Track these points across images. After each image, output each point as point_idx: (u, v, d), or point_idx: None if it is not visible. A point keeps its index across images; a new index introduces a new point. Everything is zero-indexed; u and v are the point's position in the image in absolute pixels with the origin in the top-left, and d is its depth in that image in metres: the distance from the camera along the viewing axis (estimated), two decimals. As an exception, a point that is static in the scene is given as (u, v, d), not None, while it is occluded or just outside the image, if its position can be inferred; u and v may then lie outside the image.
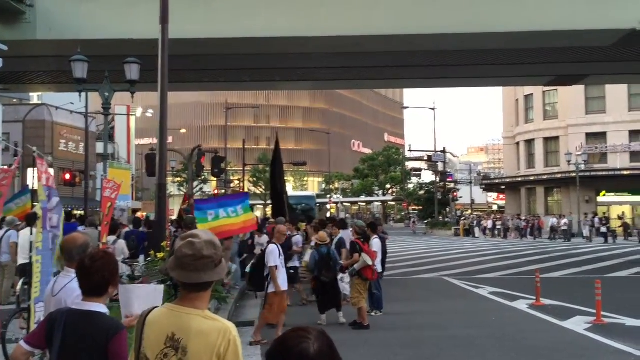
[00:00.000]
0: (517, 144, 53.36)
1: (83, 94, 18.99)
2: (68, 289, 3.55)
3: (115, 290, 3.02)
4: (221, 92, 68.06)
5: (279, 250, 8.91)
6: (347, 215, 73.23)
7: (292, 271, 10.91)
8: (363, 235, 10.51)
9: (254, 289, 10.33)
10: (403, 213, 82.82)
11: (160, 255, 9.26)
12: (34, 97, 45.14)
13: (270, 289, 8.83)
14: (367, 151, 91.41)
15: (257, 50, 17.37)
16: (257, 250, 12.50)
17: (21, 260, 10.71)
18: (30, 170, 25.95)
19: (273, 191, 17.56)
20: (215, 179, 38.30)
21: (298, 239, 13.17)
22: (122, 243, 10.92)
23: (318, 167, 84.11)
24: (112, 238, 10.93)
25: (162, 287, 3.83)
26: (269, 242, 9.73)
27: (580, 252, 27.93)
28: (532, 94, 50.26)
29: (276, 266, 8.74)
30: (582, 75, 23.30)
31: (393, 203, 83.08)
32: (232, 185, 48.76)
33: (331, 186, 77.90)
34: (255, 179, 67.98)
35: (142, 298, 3.47)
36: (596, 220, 38.14)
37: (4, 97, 31.57)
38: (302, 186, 79.81)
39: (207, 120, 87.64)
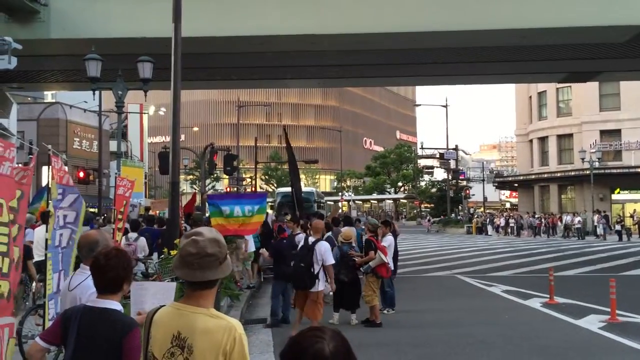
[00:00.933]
0: (530, 141, 52.99)
1: (97, 92, 19.14)
2: (83, 286, 3.58)
3: (129, 288, 3.04)
4: (233, 90, 68.31)
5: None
6: (359, 213, 73.17)
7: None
8: (375, 233, 10.51)
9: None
10: (415, 211, 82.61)
11: (173, 252, 9.30)
12: (48, 96, 45.51)
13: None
14: (379, 149, 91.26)
15: (269, 48, 17.38)
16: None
17: (37, 257, 10.82)
18: (45, 169, 26.16)
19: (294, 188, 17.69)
20: (227, 176, 38.40)
21: (301, 237, 12.95)
22: (143, 240, 10.99)
23: (330, 165, 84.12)
24: (134, 235, 11.03)
25: (174, 284, 3.85)
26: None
27: (594, 250, 27.73)
28: (545, 91, 49.88)
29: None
30: (596, 72, 23.08)
31: (405, 201, 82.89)
32: (244, 183, 48.86)
33: (343, 184, 77.86)
34: (267, 177, 68.12)
35: (154, 295, 3.49)
36: (600, 218, 37.95)
37: (19, 95, 31.83)
38: (314, 184, 79.85)
39: (219, 118, 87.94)
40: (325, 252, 8.77)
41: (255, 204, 12.50)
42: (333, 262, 8.87)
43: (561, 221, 41.69)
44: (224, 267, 2.46)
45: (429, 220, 56.91)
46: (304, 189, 36.70)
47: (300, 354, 1.68)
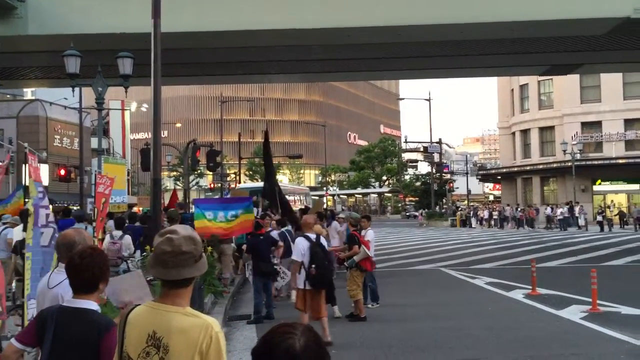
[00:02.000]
0: (513, 134, 53.40)
1: (77, 89, 18.92)
2: (65, 285, 3.53)
3: (105, 287, 3.00)
4: (216, 85, 67.96)
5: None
6: (344, 207, 73.27)
7: (275, 267, 10.72)
8: (357, 227, 10.51)
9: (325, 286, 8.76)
10: (399, 204, 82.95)
11: (155, 250, 9.23)
12: (28, 93, 44.97)
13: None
14: (363, 143, 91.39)
15: (249, 42, 17.29)
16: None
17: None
18: (24, 167, 25.85)
19: (267, 185, 17.51)
20: (211, 172, 38.23)
21: (275, 233, 12.80)
22: (128, 238, 10.87)
23: (314, 160, 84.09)
24: (119, 233, 10.91)
25: (139, 271, 3.82)
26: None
27: (576, 241, 28.03)
28: (527, 84, 50.26)
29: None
30: (576, 64, 23.27)
31: (389, 195, 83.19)
32: (228, 178, 48.69)
33: (327, 178, 77.90)
34: (251, 172, 67.95)
35: (126, 287, 3.46)
36: (576, 209, 38.52)
37: (-3, 93, 31.42)
38: (299, 179, 79.82)
39: (202, 114, 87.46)
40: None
41: (240, 208, 12.52)
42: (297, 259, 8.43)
43: (537, 214, 42.09)
44: (199, 265, 2.42)
45: (421, 214, 56.25)
46: (257, 184, 36.71)
47: (272, 350, 1.67)
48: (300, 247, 8.22)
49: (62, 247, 3.50)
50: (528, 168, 49.70)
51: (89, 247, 3.05)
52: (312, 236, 8.35)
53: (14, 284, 10.18)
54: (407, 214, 73.88)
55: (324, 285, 8.36)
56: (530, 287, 12.48)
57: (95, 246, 3.53)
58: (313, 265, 8.09)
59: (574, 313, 10.13)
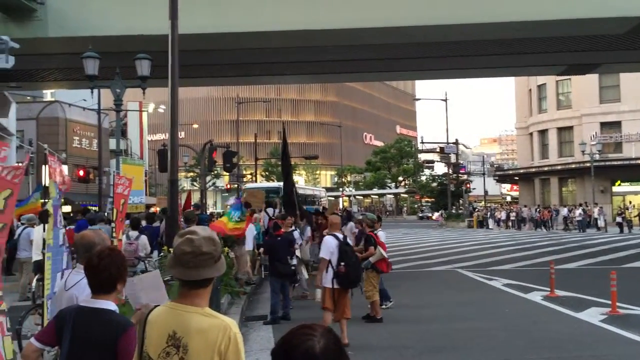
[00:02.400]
0: (531, 134, 52.95)
1: (95, 90, 19.11)
2: (80, 286, 3.57)
3: (123, 287, 3.03)
4: (232, 86, 68.25)
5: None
6: (360, 208, 73.17)
7: (293, 268, 10.72)
8: (373, 228, 10.47)
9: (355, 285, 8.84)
10: (416, 205, 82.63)
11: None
12: (47, 95, 45.48)
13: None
14: (379, 144, 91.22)
15: (264, 44, 17.34)
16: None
17: (35, 256, 10.84)
18: (44, 168, 26.16)
19: (285, 186, 17.52)
20: (227, 173, 38.38)
21: (297, 234, 12.78)
22: (144, 238, 10.96)
23: (330, 161, 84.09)
24: (135, 233, 11.01)
25: (157, 272, 3.85)
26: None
27: (595, 242, 27.72)
28: (545, 84, 49.82)
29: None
30: (595, 64, 23.00)
31: (405, 195, 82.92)
32: (244, 179, 48.87)
33: (343, 179, 77.84)
34: (267, 173, 68.12)
35: (145, 287, 3.49)
36: (595, 211, 38.04)
37: (18, 94, 31.82)
38: (315, 179, 79.88)
39: (218, 115, 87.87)
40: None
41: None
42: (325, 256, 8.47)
43: (556, 215, 41.60)
44: (219, 266, 2.45)
45: (441, 215, 55.05)
46: (271, 184, 36.73)
47: (291, 352, 1.67)
48: (329, 245, 8.18)
49: (81, 248, 3.54)
50: (546, 169, 49.25)
51: (107, 248, 3.08)
52: (340, 236, 8.42)
53: (34, 283, 10.32)
54: (421, 215, 73.25)
55: (353, 285, 8.40)
56: (548, 289, 12.36)
57: (114, 247, 3.57)
58: (342, 263, 8.07)
59: (593, 315, 10.02)
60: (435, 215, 63.29)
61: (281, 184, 27.90)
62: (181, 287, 2.47)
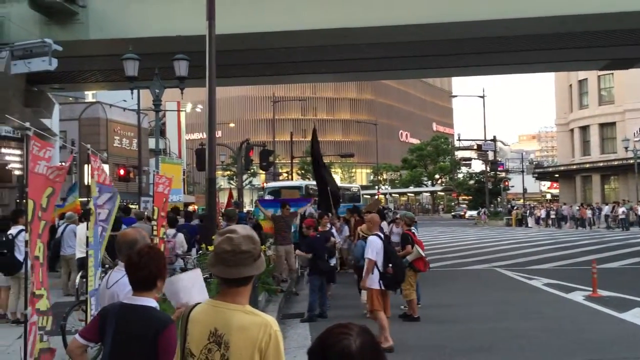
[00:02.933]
0: (571, 130, 51.82)
1: (135, 91, 19.48)
2: (121, 284, 3.64)
3: (163, 284, 3.08)
4: (268, 85, 68.66)
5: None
6: (397, 206, 72.72)
7: (332, 266, 10.70)
8: (411, 227, 10.42)
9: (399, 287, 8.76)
10: (452, 203, 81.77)
11: (211, 248, 9.39)
12: (89, 96, 46.55)
13: None
14: (415, 141, 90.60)
15: (302, 42, 17.40)
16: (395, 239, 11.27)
17: (79, 254, 11.11)
18: (86, 167, 26.79)
19: (319, 185, 17.54)
20: (263, 172, 38.64)
21: (334, 232, 12.78)
22: (181, 236, 11.12)
23: (366, 159, 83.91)
24: (172, 231, 11.18)
25: (198, 270, 3.89)
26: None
27: (639, 241, 26.96)
28: (586, 79, 48.69)
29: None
30: (638, 58, 22.36)
31: (442, 193, 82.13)
32: (280, 178, 49.13)
33: (379, 177, 77.57)
34: (303, 172, 68.36)
35: (185, 286, 3.53)
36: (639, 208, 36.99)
37: (61, 96, 32.66)
38: (350, 177, 79.80)
39: (254, 114, 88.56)
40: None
41: (298, 207, 13.02)
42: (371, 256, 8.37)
43: (598, 213, 40.55)
44: (258, 264, 2.48)
45: (485, 213, 52.81)
46: (292, 182, 36.64)
47: (327, 351, 1.67)
48: (375, 246, 7.99)
49: (124, 246, 3.61)
50: (587, 166, 48.14)
51: (147, 246, 3.13)
52: (382, 235, 8.25)
53: (77, 280, 10.58)
54: (454, 213, 71.79)
55: (398, 286, 8.35)
56: (590, 288, 12.08)
57: (154, 245, 3.62)
58: (390, 265, 7.93)
59: (637, 316, 9.75)
60: (469, 213, 62.03)
61: (303, 182, 27.86)
62: (221, 285, 2.51)
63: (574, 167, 49.73)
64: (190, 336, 2.47)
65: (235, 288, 2.45)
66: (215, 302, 2.49)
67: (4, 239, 9.44)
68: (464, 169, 72.29)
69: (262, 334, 2.35)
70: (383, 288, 7.95)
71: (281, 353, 2.38)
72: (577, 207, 42.50)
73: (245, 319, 2.39)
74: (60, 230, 12.99)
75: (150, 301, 2.96)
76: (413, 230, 10.56)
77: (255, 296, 9.55)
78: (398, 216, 14.66)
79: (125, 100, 36.72)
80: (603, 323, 9.41)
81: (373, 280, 7.95)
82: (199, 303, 2.59)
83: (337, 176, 75.14)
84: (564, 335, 8.57)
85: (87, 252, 5.57)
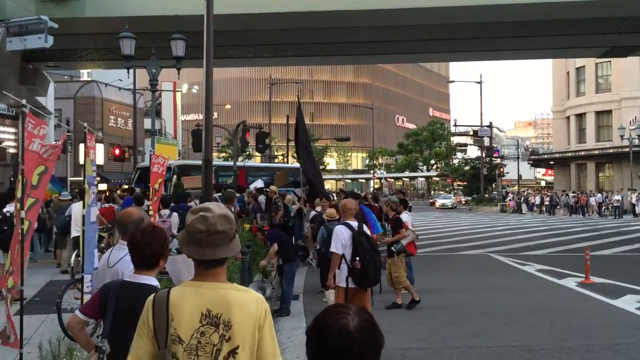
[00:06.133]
0: (567, 118, 51.85)
1: (131, 70, 19.34)
2: (125, 262, 3.63)
3: (165, 264, 3.08)
4: (265, 67, 68.26)
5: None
6: (390, 190, 72.75)
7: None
8: (397, 211, 10.22)
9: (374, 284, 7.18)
10: (447, 189, 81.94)
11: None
12: (84, 74, 46.20)
13: None
14: (412, 126, 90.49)
15: (297, 24, 17.26)
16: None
17: (74, 232, 11.10)
18: (81, 146, 26.68)
19: (304, 167, 15.83)
20: (259, 154, 38.60)
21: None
22: (176, 216, 11.14)
23: (362, 143, 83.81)
24: (167, 212, 11.19)
25: None
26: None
27: (632, 229, 27.13)
28: (583, 66, 48.61)
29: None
30: (637, 46, 22.31)
31: (437, 179, 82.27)
32: (276, 160, 49.06)
33: (375, 162, 77.58)
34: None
35: (188, 265, 3.54)
36: (633, 197, 37.15)
37: (56, 74, 32.41)
38: (346, 162, 79.73)
39: (251, 96, 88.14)
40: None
41: None
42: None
43: (583, 202, 40.72)
44: (233, 245, 2.37)
45: (467, 202, 51.55)
46: (269, 164, 35.81)
47: (326, 330, 1.68)
48: (341, 237, 6.82)
49: (130, 225, 3.58)
50: (582, 153, 48.24)
51: (150, 225, 3.14)
52: (354, 224, 6.98)
53: (72, 259, 10.59)
54: (430, 200, 68.69)
55: (372, 283, 6.97)
56: (583, 275, 12.18)
57: (156, 224, 3.62)
58: (357, 258, 6.73)
59: (629, 302, 9.85)
60: (440, 202, 56.94)
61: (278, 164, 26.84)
62: (198, 266, 2.37)
63: (569, 154, 49.83)
64: (177, 321, 2.30)
65: (213, 269, 2.34)
66: (197, 283, 2.35)
67: (1, 216, 9.43)
68: (459, 155, 72.33)
69: (259, 309, 2.32)
70: (353, 286, 6.78)
71: (273, 327, 2.37)
72: (574, 195, 42.69)
73: (241, 296, 2.32)
74: (67, 211, 12.94)
75: (151, 279, 2.97)
76: (405, 216, 10.44)
77: (251, 277, 9.58)
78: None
79: (121, 80, 36.52)
80: (595, 309, 9.49)
81: (341, 277, 6.85)
82: (171, 287, 2.46)
83: (332, 159, 75.17)
84: (556, 321, 8.65)
85: (83, 231, 5.56)
